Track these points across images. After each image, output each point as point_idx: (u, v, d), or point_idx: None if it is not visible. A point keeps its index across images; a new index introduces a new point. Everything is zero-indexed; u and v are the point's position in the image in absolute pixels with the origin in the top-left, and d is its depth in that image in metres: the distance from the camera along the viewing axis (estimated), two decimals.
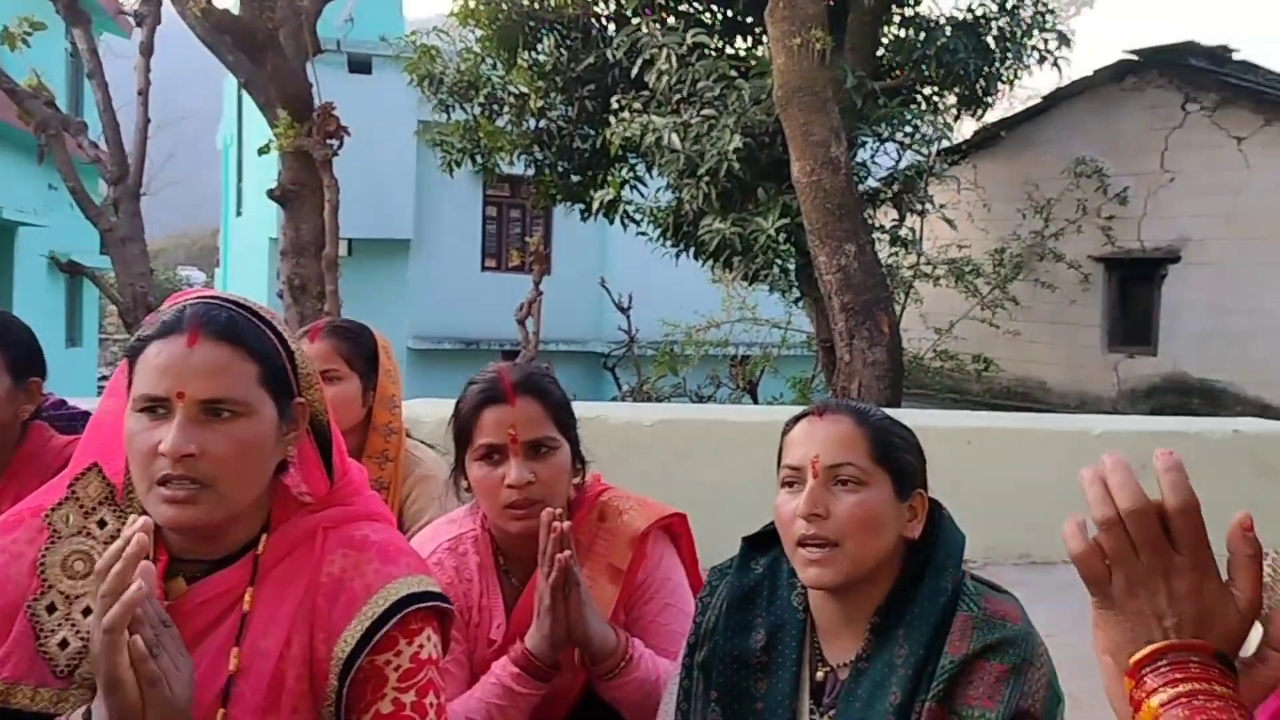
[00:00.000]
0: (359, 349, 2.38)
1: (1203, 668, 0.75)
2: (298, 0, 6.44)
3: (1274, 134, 8.58)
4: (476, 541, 1.85)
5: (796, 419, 1.54)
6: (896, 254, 8.61)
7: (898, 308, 7.80)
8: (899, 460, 1.49)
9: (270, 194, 6.69)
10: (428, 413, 3.57)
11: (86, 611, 1.27)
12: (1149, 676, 0.76)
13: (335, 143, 6.17)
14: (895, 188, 8.16)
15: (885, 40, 8.50)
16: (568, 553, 1.62)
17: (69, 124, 7.65)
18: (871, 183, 8.34)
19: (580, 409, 1.93)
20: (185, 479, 1.23)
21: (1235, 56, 9.57)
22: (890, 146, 8.11)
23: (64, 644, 1.26)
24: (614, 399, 10.81)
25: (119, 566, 1.11)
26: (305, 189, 6.40)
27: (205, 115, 22.04)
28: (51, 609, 1.27)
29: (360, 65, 15.10)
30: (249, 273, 17.91)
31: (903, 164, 8.29)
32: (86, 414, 1.86)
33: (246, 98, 7.90)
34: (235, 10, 6.23)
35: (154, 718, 1.14)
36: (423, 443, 2.58)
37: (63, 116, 7.64)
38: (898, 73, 8.17)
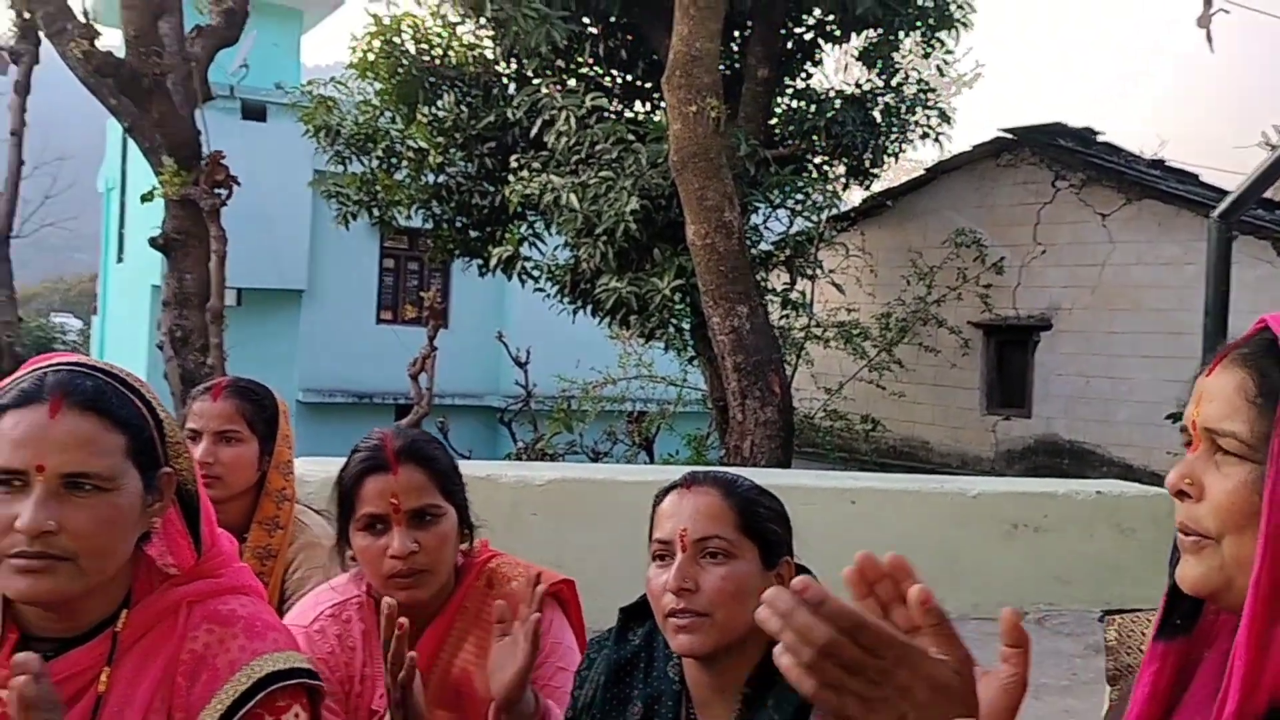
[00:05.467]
0: (261, 411, 2.32)
1: None
2: (188, 47, 6.32)
3: (1133, 211, 9.11)
4: (361, 608, 1.80)
5: (665, 491, 1.56)
6: (788, 316, 8.81)
7: (789, 368, 7.96)
8: (765, 530, 1.52)
9: (153, 242, 6.49)
10: (313, 471, 3.47)
11: None
12: None
13: (224, 192, 6.04)
14: (787, 252, 8.38)
15: (778, 111, 8.78)
16: (412, 656, 1.57)
17: None
18: (764, 246, 8.56)
19: (470, 468, 1.92)
20: (42, 555, 1.17)
21: (1100, 138, 10.17)
22: (782, 212, 8.34)
23: None
24: (509, 455, 10.73)
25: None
26: (191, 238, 6.22)
27: (87, 156, 21.31)
28: None
29: (254, 112, 14.87)
30: (129, 321, 17.26)
31: (794, 229, 8.53)
32: None
33: (132, 142, 7.70)
34: (120, 53, 6.07)
35: None
36: (309, 508, 2.51)
37: None
38: (790, 142, 8.43)
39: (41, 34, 6.40)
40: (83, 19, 5.80)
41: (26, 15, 6.51)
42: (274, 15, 14.56)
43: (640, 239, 7.08)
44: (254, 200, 9.00)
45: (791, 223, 8.50)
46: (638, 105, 9.12)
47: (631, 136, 7.25)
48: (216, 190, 5.94)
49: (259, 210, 12.16)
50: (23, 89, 7.36)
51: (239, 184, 6.08)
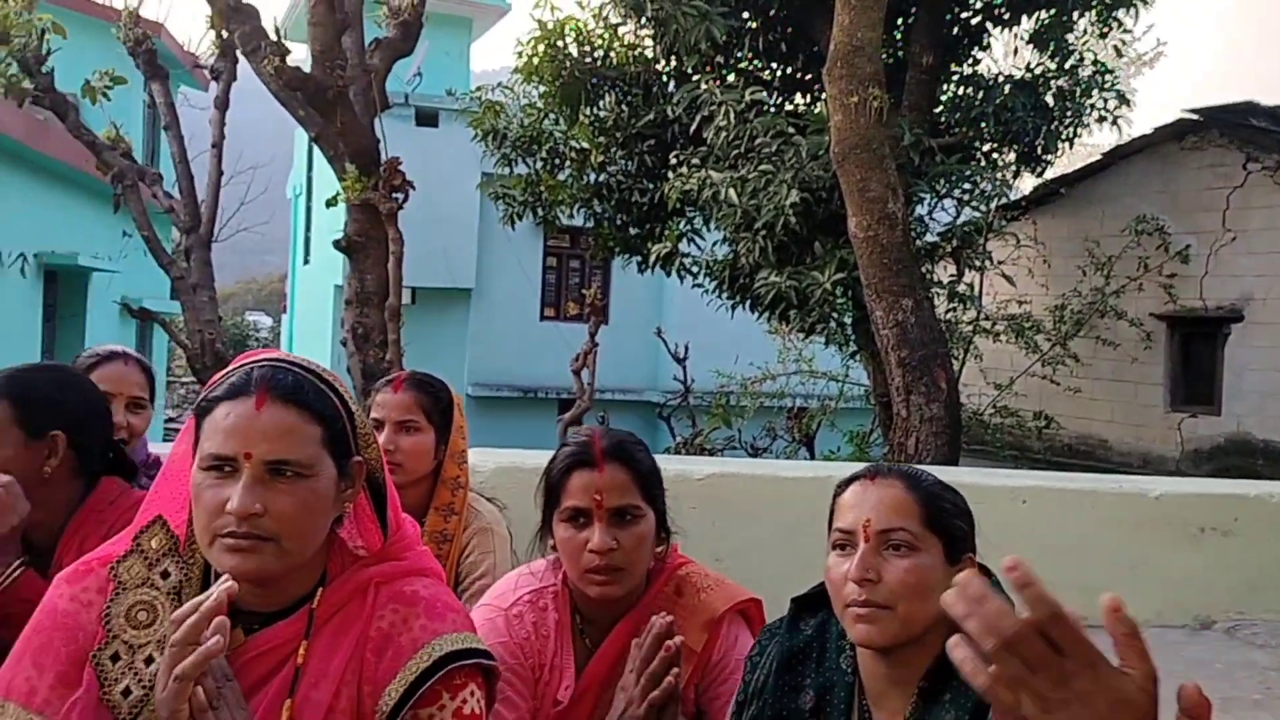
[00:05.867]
0: (437, 403, 2.45)
1: None
2: (368, 59, 6.66)
3: None
4: (557, 598, 1.86)
5: (848, 481, 1.55)
6: (955, 309, 8.55)
7: (956, 363, 7.73)
8: (949, 525, 1.50)
9: (336, 244, 6.87)
10: (484, 461, 3.61)
11: (149, 661, 1.32)
12: None
13: (400, 196, 6.33)
14: (954, 243, 8.13)
15: (944, 98, 8.53)
16: (676, 671, 1.60)
17: (144, 174, 7.95)
18: (930, 238, 8.33)
19: None
20: (249, 535, 1.28)
21: None
22: (949, 203, 8.10)
23: (126, 692, 1.31)
24: (668, 450, 10.82)
25: (194, 618, 1.17)
26: (370, 240, 6.55)
27: (277, 165, 22.68)
28: (115, 658, 1.32)
29: (427, 119, 15.50)
30: (315, 319, 18.30)
31: (961, 220, 8.27)
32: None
33: (317, 150, 8.15)
34: (307, 68, 6.45)
35: None
36: (482, 496, 2.63)
37: (139, 167, 7.94)
38: (956, 130, 8.18)
39: (239, 53, 6.87)
40: (275, 37, 6.19)
41: (225, 35, 7.00)
42: (445, 25, 15.14)
43: (800, 232, 7.02)
44: (426, 204, 9.39)
45: (958, 213, 8.24)
46: (797, 98, 9.03)
47: (791, 129, 7.20)
48: (394, 194, 6.24)
49: (431, 213, 12.67)
50: (222, 104, 7.90)
51: (414, 188, 6.36)
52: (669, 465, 3.92)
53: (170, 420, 19.81)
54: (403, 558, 1.48)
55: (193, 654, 1.15)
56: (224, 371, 1.39)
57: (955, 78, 8.62)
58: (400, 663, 1.36)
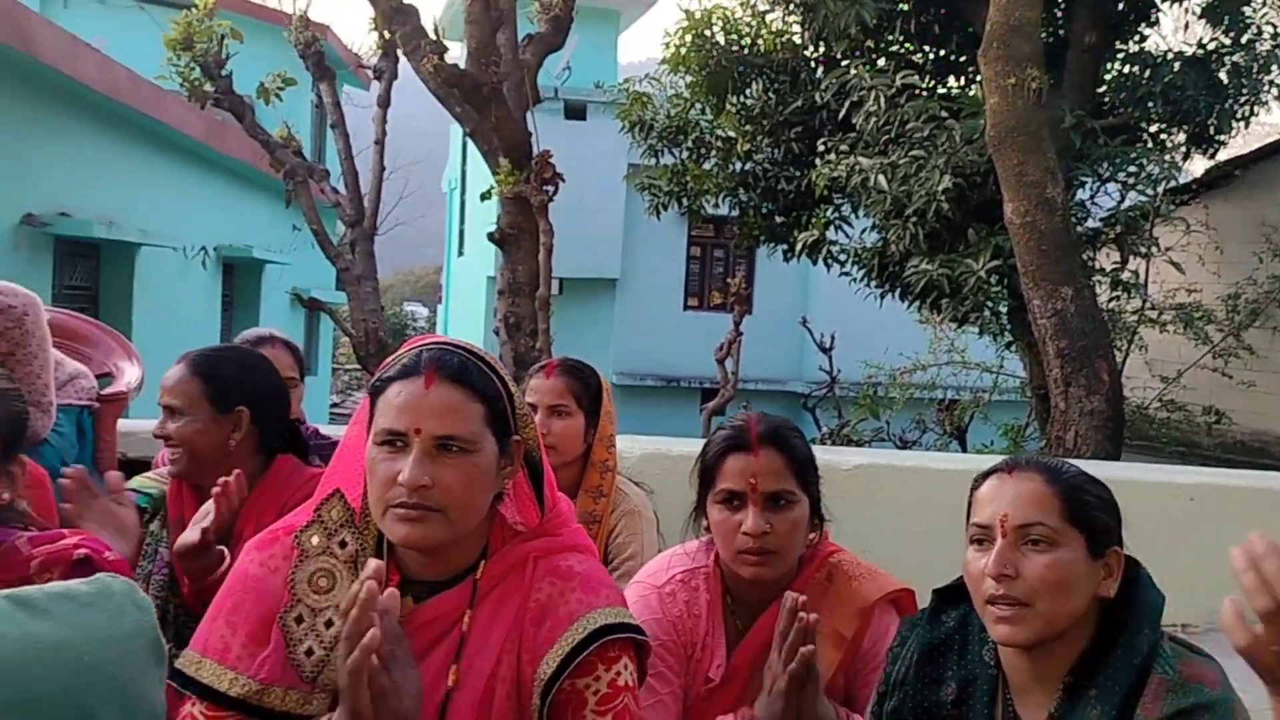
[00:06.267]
0: (587, 388, 2.53)
1: None
2: (520, 55, 6.84)
3: None
4: (709, 578, 1.90)
5: (985, 475, 1.53)
6: (1118, 298, 8.16)
7: (1119, 354, 7.39)
8: (1092, 519, 1.46)
9: (490, 236, 7.09)
10: (630, 448, 3.67)
11: (329, 624, 1.41)
12: None
13: (551, 189, 6.48)
14: (1117, 229, 7.76)
15: (1107, 78, 8.14)
16: (811, 648, 1.62)
17: (313, 171, 8.37)
18: (1091, 224, 7.96)
19: None
20: (419, 505, 1.37)
21: None
22: (1112, 186, 7.73)
23: (310, 652, 1.41)
24: (812, 441, 10.72)
25: (355, 613, 1.23)
26: (522, 232, 6.74)
27: (433, 160, 23.46)
28: (299, 620, 1.42)
29: (575, 112, 15.76)
30: (468, 309, 18.89)
31: (1126, 204, 7.88)
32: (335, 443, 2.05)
33: (471, 145, 8.41)
34: (463, 65, 6.68)
35: None
36: (629, 479, 2.69)
37: (308, 164, 8.37)
38: (1120, 111, 7.79)
39: (399, 52, 7.16)
40: (433, 36, 6.43)
41: (387, 36, 7.31)
42: (593, 18, 15.34)
43: (953, 219, 6.83)
44: (574, 196, 9.57)
45: (1123, 197, 7.86)
46: (951, 81, 8.78)
47: (944, 113, 7.01)
48: (545, 187, 6.39)
49: (578, 205, 12.89)
50: (384, 102, 8.27)
51: (564, 180, 6.50)
52: (817, 455, 3.91)
53: (335, 405, 20.78)
54: (558, 534, 1.54)
55: (357, 651, 1.22)
56: (396, 354, 1.48)
57: (1120, 56, 8.21)
58: (557, 634, 1.42)
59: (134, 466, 3.00)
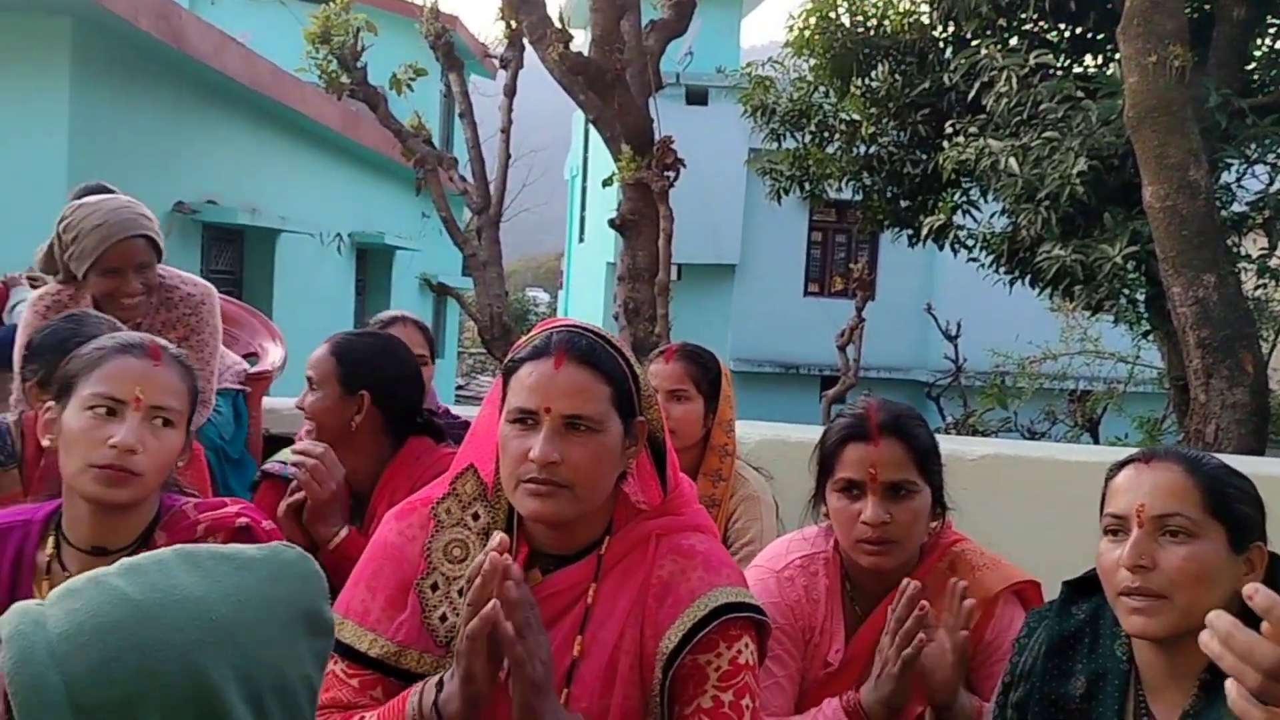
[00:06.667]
0: (706, 373, 2.56)
1: None
2: (644, 41, 6.87)
3: None
4: (828, 564, 1.91)
5: (1121, 465, 1.50)
6: (1265, 286, 7.75)
7: (1265, 345, 7.02)
8: (1234, 511, 1.41)
9: (610, 223, 7.16)
10: (749, 433, 3.69)
11: (462, 592, 1.47)
12: None
13: (672, 174, 6.50)
14: (1265, 213, 7.34)
15: (1257, 54, 7.69)
16: (922, 638, 1.62)
17: (442, 160, 8.59)
18: (1237, 208, 7.57)
19: None
20: (548, 481, 1.43)
21: None
22: (1260, 169, 7.32)
23: (444, 618, 1.48)
24: (936, 430, 10.52)
25: (479, 583, 1.30)
26: (642, 218, 6.78)
27: (556, 148, 23.78)
28: (434, 587, 1.50)
29: (697, 97, 15.74)
30: (588, 295, 19.11)
31: (1275, 188, 7.46)
32: (466, 423, 2.14)
33: (593, 132, 8.50)
34: (587, 52, 6.75)
35: (519, 691, 1.32)
36: (749, 464, 2.71)
37: (437, 153, 8.59)
38: (1271, 89, 7.36)
39: (525, 41, 7.29)
40: (559, 25, 6.52)
41: (514, 25, 7.45)
42: (716, 3, 15.28)
43: (1088, 203, 6.58)
44: (694, 181, 9.58)
45: (1272, 180, 7.43)
46: (1087, 59, 8.43)
47: (1080, 93, 6.75)
48: (666, 173, 6.42)
49: (698, 190, 12.90)
50: (509, 91, 8.41)
51: (685, 166, 6.52)
52: (942, 444, 3.84)
53: (460, 388, 21.33)
54: (681, 513, 1.58)
55: (476, 619, 1.28)
56: (528, 336, 1.54)
57: (1272, 30, 7.75)
58: (679, 610, 1.46)
59: (276, 442, 3.17)
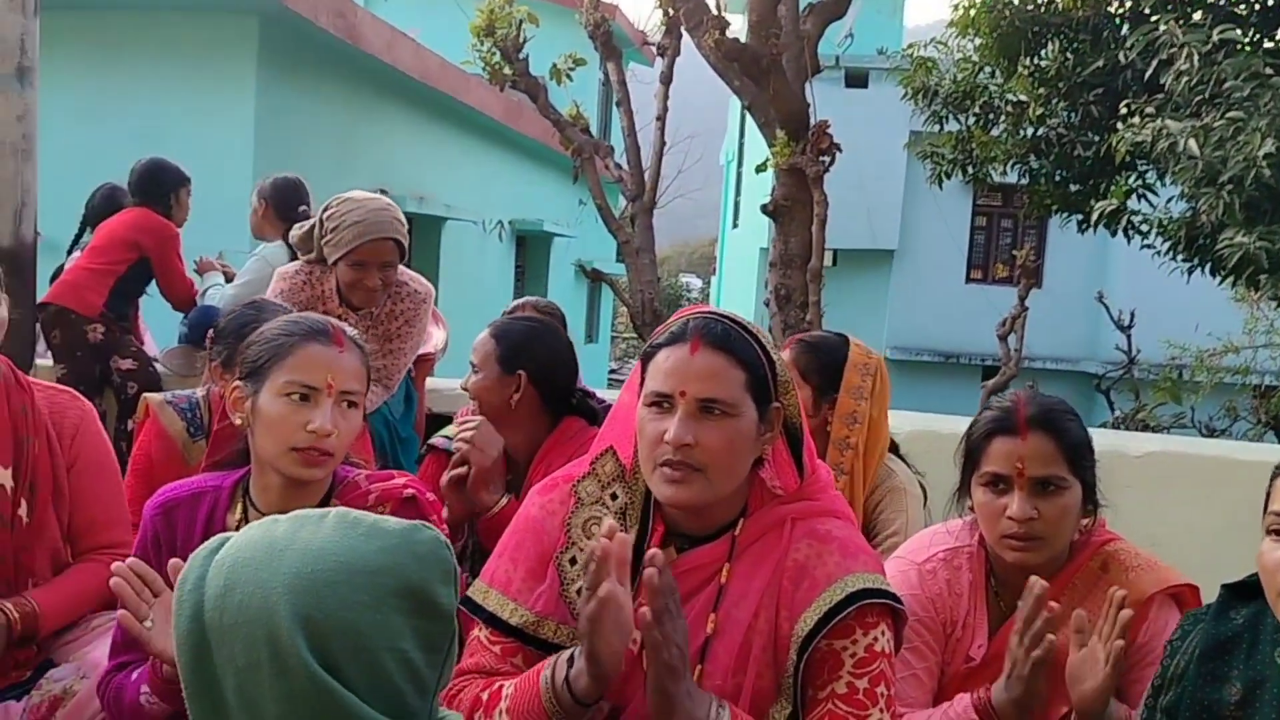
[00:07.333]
0: (817, 362, 2.53)
1: None
2: (801, 25, 6.80)
3: None
4: (972, 558, 1.88)
5: None
6: None
7: None
8: None
9: (764, 208, 7.13)
10: (899, 424, 3.62)
11: None
12: None
13: (827, 159, 6.43)
14: None
15: None
16: (1052, 639, 1.59)
17: (599, 148, 8.72)
18: None
19: None
20: (683, 464, 1.46)
21: None
22: None
23: (579, 592, 1.53)
24: (1104, 425, 10.05)
25: (594, 567, 1.34)
26: (796, 204, 6.73)
27: (711, 134, 23.77)
28: (573, 562, 1.56)
29: (856, 80, 15.44)
30: (740, 281, 19.07)
31: None
32: (608, 405, 2.21)
33: (749, 118, 8.47)
34: (744, 38, 6.74)
35: (652, 675, 1.36)
36: (897, 457, 2.67)
37: (594, 141, 8.73)
38: None
39: (682, 28, 7.32)
40: (715, 12, 6.54)
41: (671, 13, 7.49)
42: None
43: (1275, 187, 6.15)
44: (852, 165, 9.41)
45: None
46: (1278, 34, 7.87)
47: (1269, 70, 6.30)
48: (821, 158, 6.35)
49: (856, 174, 12.67)
50: (666, 78, 8.47)
51: (841, 150, 6.43)
52: (1102, 439, 3.68)
53: (613, 371, 21.66)
54: (817, 499, 1.59)
55: (593, 600, 1.34)
56: (665, 323, 1.58)
57: None
58: (815, 593, 1.47)
59: (438, 421, 3.33)
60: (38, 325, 3.87)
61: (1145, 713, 1.59)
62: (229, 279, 4.28)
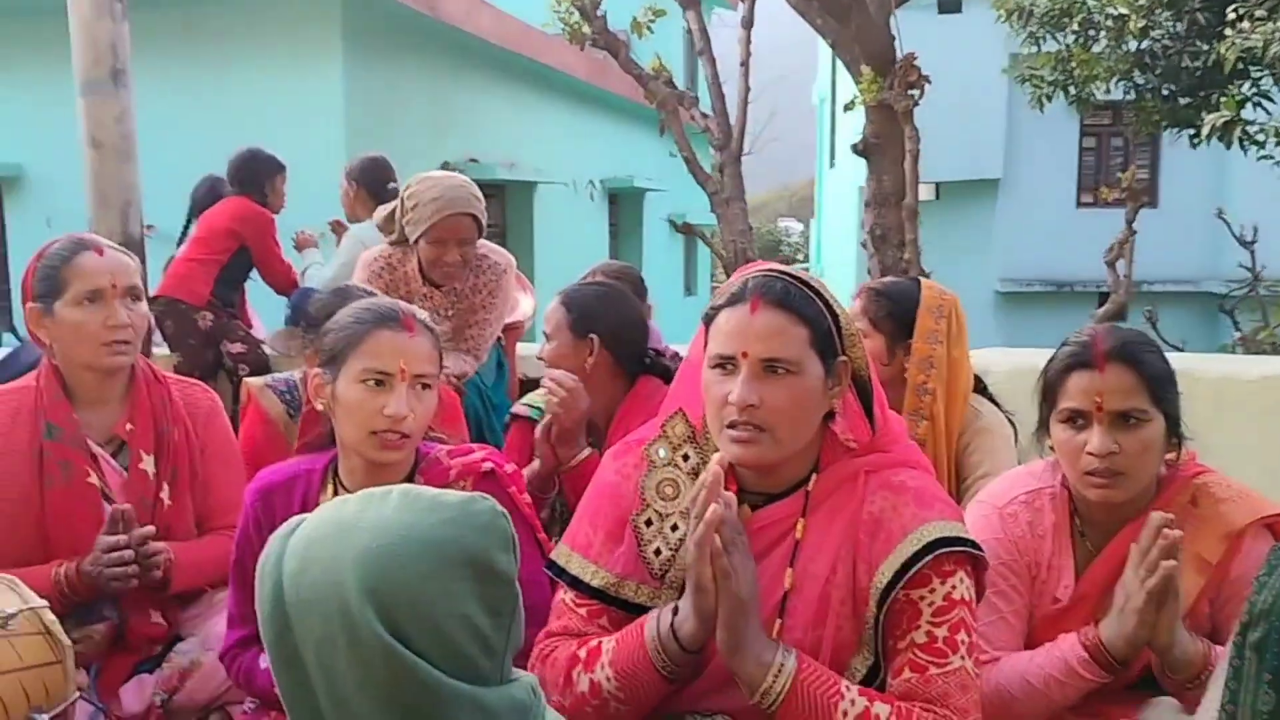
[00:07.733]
0: (885, 308, 2.51)
1: None
2: None
3: None
4: (1054, 499, 1.85)
5: None
6: None
7: None
8: None
9: (854, 148, 6.99)
10: (998, 362, 3.54)
11: (674, 528, 1.57)
12: None
13: (916, 93, 6.24)
14: None
15: None
16: (1173, 563, 1.55)
17: (683, 99, 8.64)
18: None
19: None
20: (749, 424, 1.47)
21: None
22: None
23: (658, 552, 1.58)
24: (1223, 348, 9.61)
25: (703, 495, 1.40)
26: (887, 141, 6.57)
27: (805, 73, 23.30)
28: (649, 523, 1.60)
29: (950, 5, 14.86)
30: (840, 222, 18.74)
31: None
32: None
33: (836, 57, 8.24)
34: None
35: (724, 608, 1.40)
36: (985, 398, 2.63)
37: (678, 93, 8.65)
38: None
39: None
40: None
41: None
42: None
43: None
44: (949, 94, 9.11)
45: None
46: None
47: None
48: (910, 92, 6.17)
49: (954, 103, 12.26)
50: (748, 23, 8.32)
51: (930, 82, 6.22)
52: (1216, 365, 3.54)
53: None
54: (890, 450, 1.58)
55: (701, 524, 1.38)
56: (726, 283, 1.58)
57: None
58: (892, 545, 1.47)
59: (531, 385, 3.41)
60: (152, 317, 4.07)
61: (1234, 651, 1.54)
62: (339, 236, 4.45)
